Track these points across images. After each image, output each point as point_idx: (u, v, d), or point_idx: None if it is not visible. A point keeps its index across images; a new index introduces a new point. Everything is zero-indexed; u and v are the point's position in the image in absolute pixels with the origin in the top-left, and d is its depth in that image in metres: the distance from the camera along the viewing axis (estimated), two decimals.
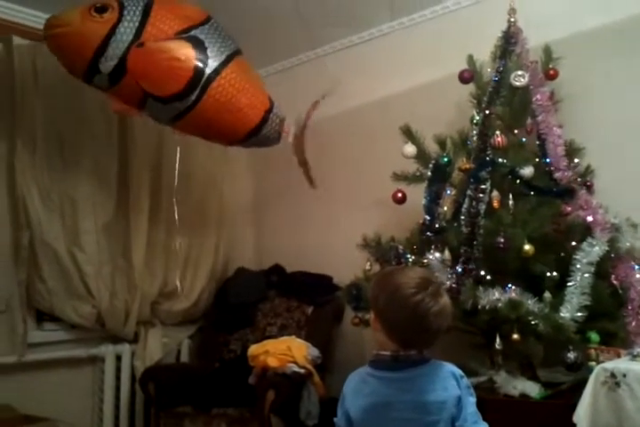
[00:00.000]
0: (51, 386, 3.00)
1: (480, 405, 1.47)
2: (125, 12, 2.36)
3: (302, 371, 2.77)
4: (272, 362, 2.75)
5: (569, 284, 2.12)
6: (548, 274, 2.18)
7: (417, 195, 2.56)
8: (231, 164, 3.83)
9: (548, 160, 2.42)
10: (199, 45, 2.38)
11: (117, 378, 3.24)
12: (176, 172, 2.96)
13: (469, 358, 2.34)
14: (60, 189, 3.07)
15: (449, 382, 1.44)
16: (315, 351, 2.93)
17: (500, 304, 2.08)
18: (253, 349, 2.90)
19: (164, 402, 2.97)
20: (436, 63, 3.06)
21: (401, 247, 2.46)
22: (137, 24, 2.35)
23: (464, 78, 2.62)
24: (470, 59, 2.64)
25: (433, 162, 2.53)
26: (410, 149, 2.65)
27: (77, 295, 3.08)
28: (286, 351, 2.82)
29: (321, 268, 3.43)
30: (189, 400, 2.99)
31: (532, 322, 2.06)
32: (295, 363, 2.78)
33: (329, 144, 3.62)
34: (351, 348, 3.25)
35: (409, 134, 2.68)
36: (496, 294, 2.11)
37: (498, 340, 2.17)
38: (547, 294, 2.12)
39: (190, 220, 3.58)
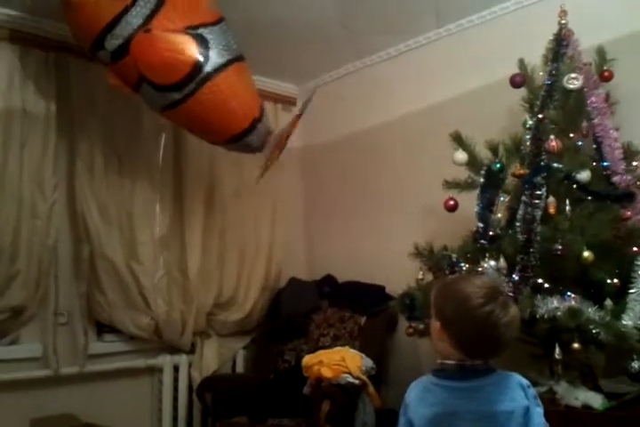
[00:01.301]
0: (111, 396, 3.08)
1: None
2: None
3: (357, 382, 2.76)
4: (326, 372, 2.74)
5: (631, 291, 2.04)
6: (609, 281, 2.11)
7: (469, 202, 2.52)
8: (283, 176, 3.86)
9: (605, 164, 2.34)
10: (204, 44, 2.41)
11: (175, 388, 3.29)
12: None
13: (528, 368, 2.28)
14: (117, 203, 3.16)
15: (517, 393, 1.41)
16: (369, 362, 2.90)
17: (559, 313, 2.03)
18: (307, 359, 2.90)
19: (220, 412, 3.01)
20: (485, 68, 3.03)
21: (454, 256, 2.43)
22: (149, 10, 2.37)
23: (516, 82, 2.57)
24: (521, 63, 2.60)
25: (485, 168, 2.49)
26: (461, 155, 2.62)
27: (135, 307, 3.16)
28: (340, 362, 2.81)
29: (373, 277, 3.41)
30: (245, 411, 3.01)
31: (593, 330, 1.99)
32: (349, 373, 2.76)
33: (380, 152, 3.63)
34: (405, 358, 3.21)
35: (459, 141, 2.65)
36: (555, 302, 2.06)
37: (557, 349, 2.11)
38: (607, 302, 2.05)
39: (243, 231, 3.63)
